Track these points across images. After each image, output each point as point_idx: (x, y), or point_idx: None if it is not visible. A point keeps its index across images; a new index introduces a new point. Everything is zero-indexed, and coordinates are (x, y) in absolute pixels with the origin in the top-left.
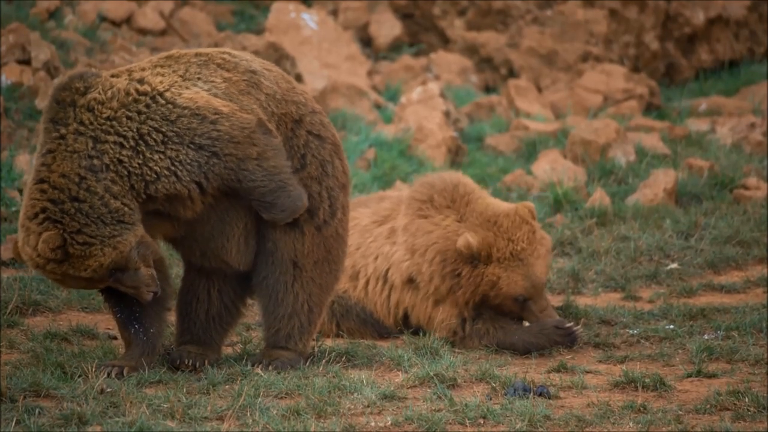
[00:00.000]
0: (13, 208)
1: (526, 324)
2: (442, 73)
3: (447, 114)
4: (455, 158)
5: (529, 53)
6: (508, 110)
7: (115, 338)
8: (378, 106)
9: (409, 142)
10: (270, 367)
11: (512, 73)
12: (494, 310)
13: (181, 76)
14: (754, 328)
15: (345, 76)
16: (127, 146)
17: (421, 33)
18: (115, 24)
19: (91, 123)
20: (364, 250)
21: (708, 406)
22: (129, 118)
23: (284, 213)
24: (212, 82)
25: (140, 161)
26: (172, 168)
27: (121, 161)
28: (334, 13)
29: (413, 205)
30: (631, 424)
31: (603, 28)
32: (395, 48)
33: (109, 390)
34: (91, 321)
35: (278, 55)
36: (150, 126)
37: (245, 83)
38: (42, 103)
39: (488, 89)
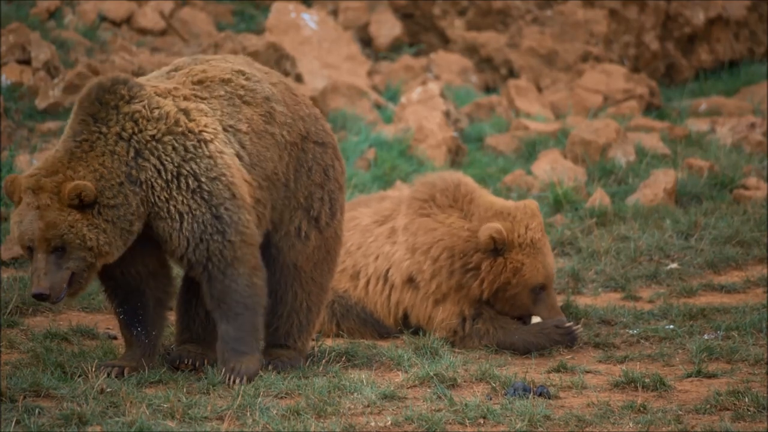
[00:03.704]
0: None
1: (537, 319)
2: (442, 73)
3: (447, 114)
4: (455, 158)
5: (529, 53)
6: (508, 110)
7: (115, 338)
8: (378, 106)
9: (409, 142)
10: (269, 367)
11: (512, 73)
12: (504, 304)
13: (219, 119)
14: (754, 328)
15: (345, 76)
16: (163, 177)
17: (421, 33)
18: (115, 24)
19: (134, 134)
20: (365, 250)
21: (708, 406)
22: (174, 149)
23: (236, 333)
24: (239, 132)
25: (167, 196)
26: (184, 218)
27: (152, 187)
28: (334, 13)
29: (414, 204)
30: (631, 424)
31: (603, 28)
32: (395, 48)
33: (109, 390)
34: (91, 321)
35: (278, 55)
36: (190, 169)
37: (263, 120)
38: (42, 103)
39: (488, 89)
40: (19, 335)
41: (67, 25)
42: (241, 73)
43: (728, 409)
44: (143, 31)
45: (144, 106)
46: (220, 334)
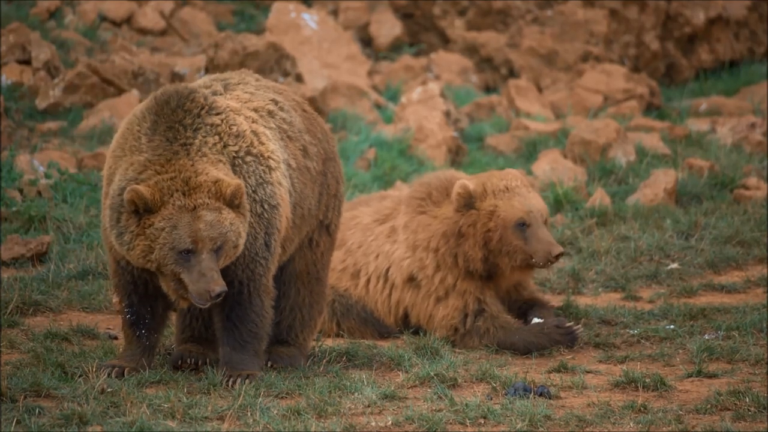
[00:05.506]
0: (14, 208)
1: (536, 320)
2: (442, 73)
3: (447, 114)
4: (455, 158)
5: (529, 53)
6: (508, 110)
7: (116, 338)
8: (378, 106)
9: (409, 142)
10: (269, 364)
11: (512, 73)
12: (501, 256)
13: (280, 149)
14: (754, 328)
15: (345, 76)
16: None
17: (421, 33)
18: (115, 24)
19: (221, 149)
20: (365, 249)
21: (708, 406)
22: (254, 172)
23: (239, 357)
24: (291, 168)
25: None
26: (248, 238)
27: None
28: (334, 13)
29: (413, 203)
30: (631, 424)
31: (603, 28)
32: (395, 48)
33: (109, 390)
34: (91, 321)
35: (278, 55)
36: (261, 194)
37: (301, 154)
38: (42, 103)
39: (488, 89)
40: (19, 335)
41: (67, 25)
42: (275, 102)
43: (729, 409)
44: (143, 31)
45: (222, 120)
46: (222, 356)
